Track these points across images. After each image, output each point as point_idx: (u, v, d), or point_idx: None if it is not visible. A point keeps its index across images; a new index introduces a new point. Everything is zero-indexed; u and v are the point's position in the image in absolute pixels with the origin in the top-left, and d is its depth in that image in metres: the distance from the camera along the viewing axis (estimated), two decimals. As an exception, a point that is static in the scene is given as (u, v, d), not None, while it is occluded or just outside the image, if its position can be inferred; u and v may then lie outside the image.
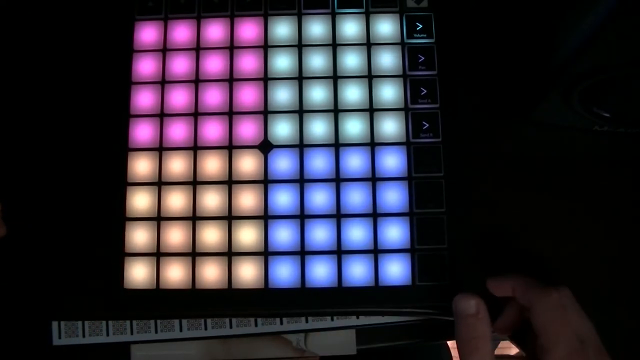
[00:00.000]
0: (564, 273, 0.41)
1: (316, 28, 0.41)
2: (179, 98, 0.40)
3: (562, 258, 0.41)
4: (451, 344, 0.66)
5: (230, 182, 0.39)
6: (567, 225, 0.42)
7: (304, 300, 0.38)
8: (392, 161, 0.39)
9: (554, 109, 0.39)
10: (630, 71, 0.34)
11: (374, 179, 0.39)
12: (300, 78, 0.40)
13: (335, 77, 0.40)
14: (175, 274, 0.38)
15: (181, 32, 0.41)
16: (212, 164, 0.39)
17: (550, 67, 0.37)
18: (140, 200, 0.39)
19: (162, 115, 0.40)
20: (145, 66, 0.41)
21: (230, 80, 0.40)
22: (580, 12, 0.33)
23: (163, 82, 0.41)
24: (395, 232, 0.38)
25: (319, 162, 0.39)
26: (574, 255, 0.41)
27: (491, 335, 0.34)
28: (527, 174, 0.42)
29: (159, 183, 0.39)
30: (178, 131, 0.40)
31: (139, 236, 0.39)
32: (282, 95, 0.40)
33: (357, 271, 0.38)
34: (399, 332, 0.41)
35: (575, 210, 0.42)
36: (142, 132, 0.40)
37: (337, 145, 0.39)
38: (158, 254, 0.39)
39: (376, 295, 0.38)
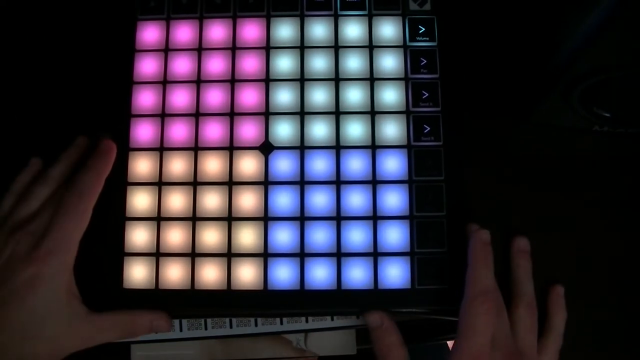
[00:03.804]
0: (563, 272, 0.41)
1: (318, 30, 0.41)
2: (180, 98, 0.40)
3: (562, 257, 0.41)
4: (451, 344, 0.65)
5: (230, 183, 0.39)
6: (567, 225, 0.42)
7: (303, 302, 0.38)
8: (393, 164, 0.39)
9: (554, 109, 0.39)
10: (630, 71, 0.34)
11: (374, 182, 0.39)
12: (301, 80, 0.40)
13: (337, 79, 0.40)
14: (174, 274, 0.38)
15: (183, 32, 0.41)
16: (213, 165, 0.39)
17: (550, 67, 0.37)
18: (140, 200, 0.39)
19: (163, 115, 0.40)
20: (147, 66, 0.41)
21: (232, 81, 0.40)
22: (581, 12, 0.33)
23: (164, 82, 0.41)
24: (395, 235, 0.38)
25: (320, 164, 0.39)
26: (574, 255, 0.41)
27: (401, 341, 0.37)
28: (528, 175, 0.42)
29: (159, 183, 0.39)
30: (179, 131, 0.40)
31: (138, 236, 0.39)
32: (284, 96, 0.40)
33: (357, 274, 0.38)
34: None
35: (575, 210, 0.42)
36: (143, 132, 0.40)
37: (338, 147, 0.39)
38: (158, 254, 0.39)
39: (375, 298, 0.38)
